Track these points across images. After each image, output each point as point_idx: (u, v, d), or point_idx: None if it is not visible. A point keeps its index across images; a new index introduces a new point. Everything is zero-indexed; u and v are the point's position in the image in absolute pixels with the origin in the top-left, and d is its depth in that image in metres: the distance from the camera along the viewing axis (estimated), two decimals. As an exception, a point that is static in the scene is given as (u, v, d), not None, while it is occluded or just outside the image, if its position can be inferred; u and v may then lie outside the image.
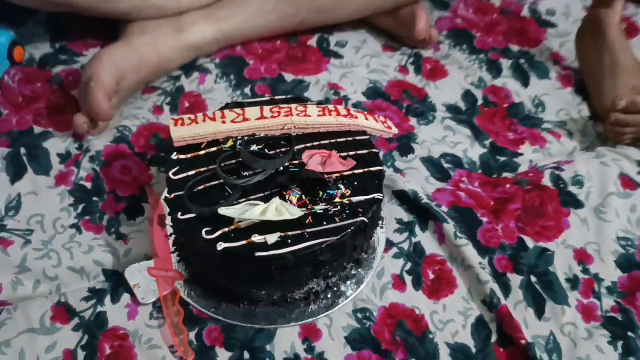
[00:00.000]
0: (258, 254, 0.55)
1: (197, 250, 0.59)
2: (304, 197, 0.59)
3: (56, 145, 0.74)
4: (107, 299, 0.61)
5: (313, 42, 0.89)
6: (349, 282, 0.64)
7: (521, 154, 0.79)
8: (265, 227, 0.56)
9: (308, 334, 0.61)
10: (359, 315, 0.62)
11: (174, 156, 0.62)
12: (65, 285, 0.63)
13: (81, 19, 0.84)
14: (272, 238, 0.56)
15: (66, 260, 0.65)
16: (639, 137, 0.77)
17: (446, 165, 0.76)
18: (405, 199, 0.71)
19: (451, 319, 0.63)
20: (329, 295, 0.63)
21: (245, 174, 0.60)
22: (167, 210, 0.65)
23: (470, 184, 0.74)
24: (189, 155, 0.62)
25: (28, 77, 0.81)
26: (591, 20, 0.83)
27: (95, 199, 0.70)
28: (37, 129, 0.76)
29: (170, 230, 0.65)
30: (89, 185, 0.71)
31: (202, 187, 0.59)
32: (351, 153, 0.63)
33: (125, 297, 0.61)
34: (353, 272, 0.65)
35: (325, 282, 0.61)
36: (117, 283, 0.62)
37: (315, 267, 0.58)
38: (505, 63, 0.89)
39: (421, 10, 0.87)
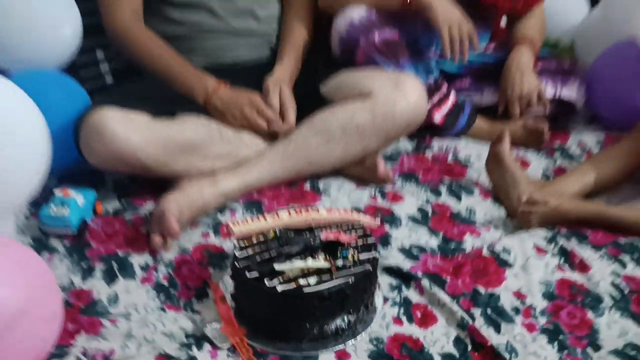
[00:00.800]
0: (305, 290, 0.83)
1: (260, 298, 0.86)
2: (327, 256, 0.89)
3: (137, 259, 1.02)
4: (194, 348, 0.86)
5: (307, 186, 1.25)
6: (363, 324, 0.91)
7: (465, 241, 1.12)
8: (305, 276, 0.85)
9: (341, 355, 0.86)
10: (374, 342, 0.88)
11: (236, 242, 0.92)
12: (160, 346, 0.87)
13: (135, 183, 1.18)
14: (312, 280, 0.85)
15: (159, 328, 0.89)
16: (540, 221, 1.13)
17: (414, 252, 1.08)
18: (392, 271, 1.01)
19: (437, 339, 0.90)
20: (351, 332, 0.89)
21: (285, 248, 0.90)
22: (228, 287, 0.93)
23: (433, 261, 1.05)
24: (246, 242, 0.92)
25: (106, 223, 1.12)
26: (492, 154, 1.24)
27: (172, 290, 0.97)
28: (121, 252, 1.04)
29: (231, 302, 0.92)
30: (165, 282, 0.98)
31: (258, 258, 0.89)
32: (353, 233, 0.95)
33: (207, 346, 0.86)
34: (365, 317, 0.92)
35: (349, 318, 0.88)
36: (199, 338, 0.87)
37: (342, 300, 0.86)
38: (443, 188, 1.27)
39: (380, 160, 1.26)
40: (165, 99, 1.22)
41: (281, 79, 1.31)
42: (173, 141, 1.14)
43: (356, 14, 1.35)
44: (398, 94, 1.21)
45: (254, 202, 1.20)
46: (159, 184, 1.17)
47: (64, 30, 1.23)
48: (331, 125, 1.21)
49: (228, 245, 1.07)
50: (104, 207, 1.16)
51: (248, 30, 1.39)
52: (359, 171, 1.28)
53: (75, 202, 1.07)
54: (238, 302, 0.92)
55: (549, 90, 1.44)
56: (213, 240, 1.09)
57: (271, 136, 1.26)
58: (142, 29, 1.32)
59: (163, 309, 0.93)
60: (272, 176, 1.22)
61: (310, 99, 1.29)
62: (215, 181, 1.17)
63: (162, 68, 1.28)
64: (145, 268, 1.01)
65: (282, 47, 1.39)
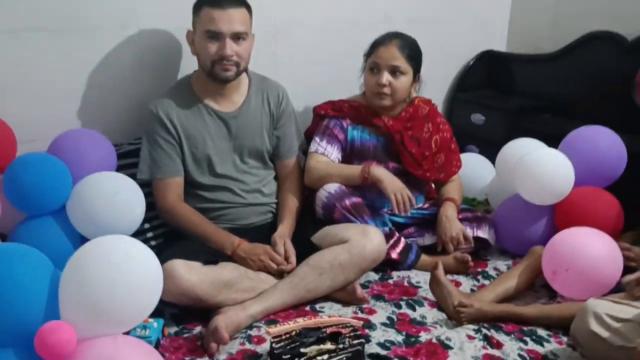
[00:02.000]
0: (321, 362, 1.33)
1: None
2: (332, 342, 1.40)
3: (200, 361, 1.50)
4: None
5: (307, 308, 1.76)
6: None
7: (420, 336, 1.63)
8: (320, 354, 1.35)
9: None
10: (367, 398, 1.37)
11: (272, 339, 1.42)
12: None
13: (184, 314, 1.68)
14: (325, 357, 1.35)
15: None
16: (469, 319, 1.66)
17: (387, 344, 1.58)
18: (374, 356, 1.51)
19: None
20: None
21: (305, 339, 1.41)
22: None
23: (400, 349, 1.56)
24: (278, 338, 1.42)
25: (172, 340, 1.59)
26: (432, 277, 1.79)
27: (229, 378, 1.44)
28: (187, 358, 1.51)
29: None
30: (224, 374, 1.45)
31: (289, 347, 1.39)
32: (346, 329, 1.46)
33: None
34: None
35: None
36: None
37: (344, 370, 1.36)
38: (403, 303, 1.80)
39: (357, 286, 1.80)
40: (208, 252, 1.77)
41: (284, 234, 1.89)
42: (217, 280, 1.67)
43: (332, 187, 1.97)
44: (366, 239, 1.79)
45: (272, 320, 1.70)
46: (201, 314, 1.67)
47: (137, 210, 1.78)
48: (322, 263, 1.76)
49: (260, 349, 1.55)
50: (168, 330, 1.64)
51: (257, 202, 1.99)
52: (342, 295, 1.80)
53: (153, 326, 1.56)
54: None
55: (469, 231, 2.04)
56: (248, 347, 1.58)
57: (280, 274, 1.80)
58: (184, 207, 1.90)
59: (227, 389, 1.40)
60: (284, 302, 1.73)
61: (305, 246, 1.85)
62: (245, 307, 1.67)
63: (201, 232, 1.85)
64: (206, 367, 1.49)
65: (281, 213, 1.99)
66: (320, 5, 2.31)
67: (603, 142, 2.02)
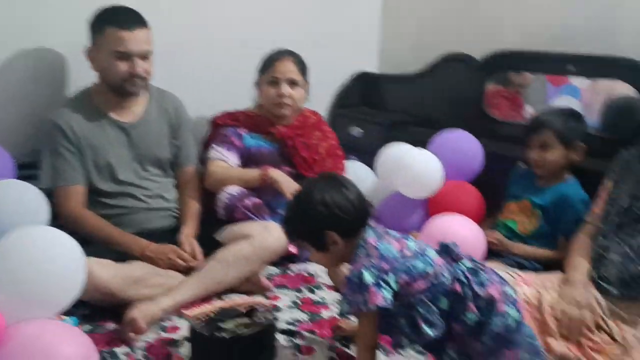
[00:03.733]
0: (242, 334, 1.46)
1: (213, 346, 1.46)
2: (249, 317, 1.53)
3: (120, 350, 1.55)
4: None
5: (215, 299, 1.88)
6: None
7: (322, 313, 1.81)
8: (237, 328, 1.48)
9: (264, 372, 1.47)
10: (282, 364, 1.51)
11: (190, 320, 1.52)
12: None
13: (94, 313, 1.72)
14: (244, 329, 1.48)
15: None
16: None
17: (295, 322, 1.74)
18: (284, 332, 1.66)
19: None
20: (267, 361, 1.52)
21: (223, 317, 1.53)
22: (183, 353, 1.51)
23: (306, 325, 1.72)
24: (194, 318, 1.53)
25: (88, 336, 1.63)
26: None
27: None
28: (106, 349, 1.56)
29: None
30: (144, 359, 1.52)
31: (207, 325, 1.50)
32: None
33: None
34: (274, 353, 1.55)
35: (265, 354, 1.51)
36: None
37: (261, 340, 1.49)
38: (304, 289, 1.97)
39: (261, 277, 1.95)
40: (117, 253, 1.83)
41: (189, 234, 2.00)
42: (129, 276, 1.74)
43: (233, 190, 2.12)
44: (267, 233, 1.95)
45: (181, 315, 1.79)
46: (112, 313, 1.73)
47: (40, 218, 1.79)
48: (228, 257, 1.89)
49: (176, 336, 1.64)
50: (82, 329, 1.67)
51: (160, 207, 2.09)
52: (248, 286, 1.94)
53: (69, 322, 1.59)
54: (195, 356, 1.50)
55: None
56: (164, 335, 1.66)
57: (188, 271, 1.90)
58: (88, 213, 1.95)
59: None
60: (193, 294, 1.82)
61: (210, 244, 1.97)
62: (157, 301, 1.75)
63: (107, 236, 1.91)
64: (126, 354, 1.55)
65: (184, 216, 2.10)
66: (211, 28, 2.49)
67: (464, 143, 2.36)
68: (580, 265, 1.77)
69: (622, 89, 2.99)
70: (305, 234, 1.46)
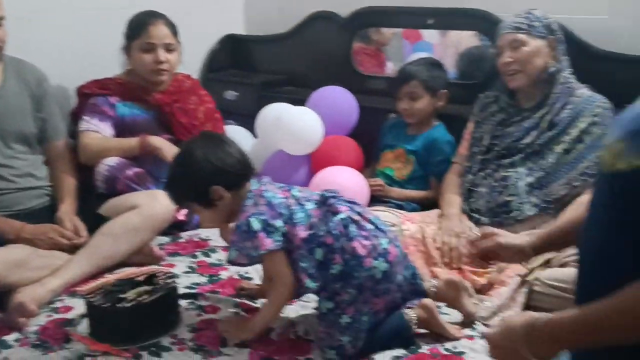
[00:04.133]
0: (145, 301, 1.43)
1: (116, 317, 1.42)
2: (149, 285, 1.50)
3: (10, 337, 1.45)
4: (80, 360, 1.36)
5: (107, 274, 1.81)
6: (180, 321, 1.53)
7: (220, 274, 1.82)
8: (139, 296, 1.45)
9: (173, 337, 1.46)
10: (189, 328, 1.51)
11: (86, 296, 1.46)
12: None
13: None
14: (146, 297, 1.45)
15: (50, 360, 1.36)
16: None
17: (193, 285, 1.74)
18: (184, 296, 1.65)
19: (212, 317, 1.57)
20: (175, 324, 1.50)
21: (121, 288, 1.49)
22: (80, 330, 1.45)
23: (205, 287, 1.73)
24: (94, 296, 1.47)
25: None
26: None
27: (46, 344, 1.43)
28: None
29: (90, 336, 1.44)
30: (38, 342, 1.44)
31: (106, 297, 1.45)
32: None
33: None
34: (178, 317, 1.53)
35: (171, 317, 1.49)
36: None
37: (165, 304, 1.47)
38: (199, 254, 1.96)
39: (153, 246, 1.90)
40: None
41: (68, 211, 1.89)
42: (7, 260, 1.62)
43: (111, 161, 2.02)
44: (155, 201, 1.89)
45: (74, 293, 1.70)
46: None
47: None
48: (116, 230, 1.82)
49: (70, 315, 1.57)
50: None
51: (31, 186, 1.94)
52: (140, 258, 1.88)
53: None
54: (96, 332, 1.45)
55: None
56: (56, 317, 1.57)
57: (73, 249, 1.80)
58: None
59: (44, 355, 1.40)
60: (82, 272, 1.74)
61: (93, 220, 1.88)
62: (44, 283, 1.65)
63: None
64: (18, 340, 1.45)
65: (60, 194, 1.98)
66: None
67: (340, 98, 2.45)
68: (453, 201, 1.95)
69: (468, 40, 3.25)
70: (191, 194, 1.48)
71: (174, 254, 1.97)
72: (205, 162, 1.43)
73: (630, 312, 0.81)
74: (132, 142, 2.08)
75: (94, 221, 1.88)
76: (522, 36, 1.84)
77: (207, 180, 1.43)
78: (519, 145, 1.87)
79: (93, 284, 1.52)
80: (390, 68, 3.23)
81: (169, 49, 2.14)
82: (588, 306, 0.87)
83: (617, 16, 2.13)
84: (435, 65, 2.26)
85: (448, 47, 3.53)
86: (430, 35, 3.68)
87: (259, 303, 1.62)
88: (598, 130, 1.78)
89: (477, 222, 1.86)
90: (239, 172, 1.46)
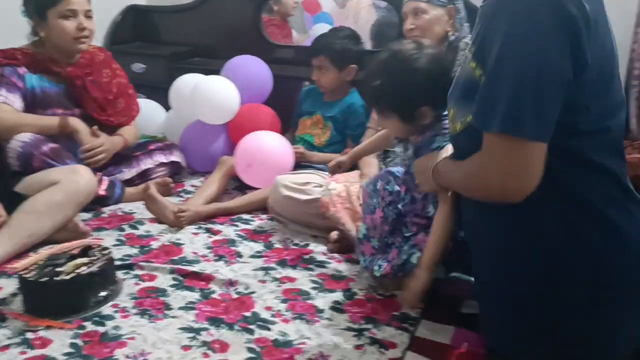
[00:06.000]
0: (83, 273, 1.42)
1: (53, 290, 1.40)
2: (84, 257, 1.49)
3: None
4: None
5: (32, 253, 1.75)
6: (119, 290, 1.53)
7: (151, 245, 1.83)
8: (77, 268, 1.44)
9: (115, 307, 1.47)
10: (130, 296, 1.52)
11: (20, 274, 1.43)
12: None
13: None
14: (84, 269, 1.44)
15: (-11, 338, 1.33)
16: (188, 221, 1.93)
17: (126, 257, 1.74)
18: (120, 267, 1.65)
19: (161, 283, 1.59)
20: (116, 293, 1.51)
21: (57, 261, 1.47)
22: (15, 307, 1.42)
23: (138, 258, 1.73)
24: (27, 272, 1.44)
25: None
26: (147, 199, 1.99)
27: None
28: None
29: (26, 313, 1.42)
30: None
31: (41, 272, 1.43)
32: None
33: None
34: (118, 287, 1.54)
35: (110, 288, 1.50)
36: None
37: (104, 274, 1.48)
38: (126, 226, 1.95)
39: (78, 221, 1.86)
40: None
41: (-19, 193, 1.80)
42: None
43: (24, 137, 1.93)
44: (77, 176, 1.85)
45: (3, 271, 1.65)
46: None
47: None
48: (38, 207, 1.77)
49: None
50: None
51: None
52: (64, 235, 1.83)
53: None
54: (33, 308, 1.43)
55: (163, 158, 2.28)
56: None
57: (-7, 229, 1.73)
58: None
59: (-18, 334, 1.36)
60: (5, 252, 1.68)
61: (10, 199, 1.81)
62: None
63: None
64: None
65: (-31, 173, 1.87)
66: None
67: (254, 67, 2.48)
68: (371, 162, 2.06)
69: (366, 11, 3.38)
70: (398, 106, 1.44)
71: (99, 229, 1.95)
72: (428, 80, 1.39)
73: (465, 166, 1.11)
74: (52, 121, 2.01)
75: (10, 200, 1.81)
76: (423, 4, 1.95)
77: (422, 100, 1.41)
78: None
79: (25, 261, 1.48)
80: (296, 38, 3.31)
81: (87, 15, 2.06)
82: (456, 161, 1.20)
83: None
84: (348, 38, 2.32)
85: (347, 17, 3.66)
86: (329, 6, 3.80)
87: (197, 267, 1.66)
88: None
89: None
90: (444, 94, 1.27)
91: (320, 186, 1.89)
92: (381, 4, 3.15)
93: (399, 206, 1.54)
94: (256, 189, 2.16)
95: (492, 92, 0.97)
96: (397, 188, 1.55)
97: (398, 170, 1.60)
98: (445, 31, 1.97)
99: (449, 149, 1.35)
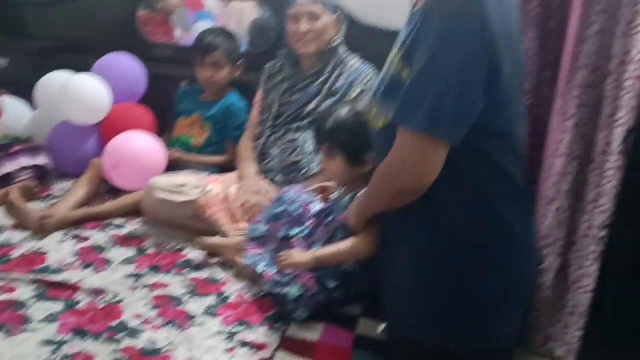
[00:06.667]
0: None
1: None
2: None
3: None
4: None
5: None
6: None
7: None
8: None
9: None
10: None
11: None
12: None
13: None
14: None
15: None
16: (53, 228, 1.82)
17: None
18: None
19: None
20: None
21: None
22: None
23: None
24: None
25: None
26: (8, 205, 1.85)
27: None
28: None
29: None
30: None
31: None
32: None
33: None
34: None
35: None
36: None
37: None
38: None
39: None
40: None
41: None
42: None
43: None
44: None
45: None
46: None
47: None
48: None
49: None
50: None
51: None
52: None
53: None
54: None
55: (27, 161, 2.14)
56: None
57: None
58: None
59: None
60: None
61: None
62: None
63: None
64: None
65: None
66: None
67: (126, 65, 2.40)
68: (249, 163, 2.07)
69: (249, 10, 3.38)
70: (353, 149, 1.52)
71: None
72: None
73: (376, 178, 1.20)
74: None
75: None
76: (318, 9, 1.99)
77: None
78: (304, 111, 2.05)
79: None
80: (178, 35, 3.22)
81: None
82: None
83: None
84: (232, 36, 2.33)
85: (230, 16, 3.64)
86: (212, 4, 3.75)
87: (62, 277, 1.58)
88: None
89: (272, 180, 2.01)
90: None
91: (197, 187, 1.87)
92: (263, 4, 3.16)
93: (290, 231, 1.55)
94: (130, 191, 2.09)
95: (415, 93, 1.05)
96: (299, 211, 1.57)
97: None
98: (332, 36, 2.02)
99: None
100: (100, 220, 1.94)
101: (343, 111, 1.58)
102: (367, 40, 2.31)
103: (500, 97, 1.08)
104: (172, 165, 2.19)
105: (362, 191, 1.38)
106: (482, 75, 1.03)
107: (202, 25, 3.08)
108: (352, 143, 1.52)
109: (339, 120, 1.56)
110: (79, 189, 2.04)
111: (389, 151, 1.12)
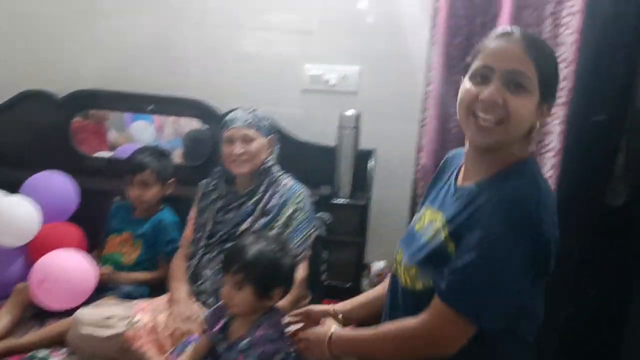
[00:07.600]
0: None
1: None
2: None
3: None
4: None
5: None
6: None
7: None
8: None
9: None
10: None
11: None
12: None
13: None
14: None
15: None
16: None
17: None
18: None
19: None
20: None
21: None
22: None
23: None
24: None
25: None
26: None
27: None
28: None
29: None
30: None
31: None
32: None
33: None
34: None
35: None
36: None
37: None
38: None
39: None
40: None
41: None
42: None
43: None
44: None
45: None
46: None
47: None
48: None
49: None
50: None
51: None
52: None
53: None
54: None
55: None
56: None
57: None
58: None
59: None
60: None
61: None
62: None
63: None
64: None
65: None
66: None
67: (56, 183, 2.37)
68: (180, 286, 2.05)
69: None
70: (262, 282, 1.55)
71: None
72: (290, 271, 1.65)
73: (390, 340, 1.25)
74: None
75: None
76: (252, 132, 2.07)
77: (283, 282, 1.61)
78: (238, 230, 2.08)
79: None
80: (114, 137, 3.19)
81: None
82: (369, 330, 1.30)
83: (310, 111, 2.56)
84: (163, 154, 2.38)
85: (168, 118, 3.67)
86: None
87: None
88: (301, 215, 2.09)
89: (205, 303, 1.99)
90: None
91: (124, 319, 1.83)
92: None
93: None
94: (56, 314, 2.02)
95: (467, 279, 1.13)
96: None
97: None
98: (265, 157, 2.10)
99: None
100: (22, 353, 1.86)
101: (263, 245, 1.60)
102: (301, 155, 2.41)
103: (540, 288, 1.22)
104: (103, 284, 2.15)
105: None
106: (531, 277, 1.14)
107: (139, 125, 3.09)
108: (267, 278, 1.55)
109: (261, 255, 1.57)
110: (3, 317, 1.97)
111: (416, 312, 1.20)
